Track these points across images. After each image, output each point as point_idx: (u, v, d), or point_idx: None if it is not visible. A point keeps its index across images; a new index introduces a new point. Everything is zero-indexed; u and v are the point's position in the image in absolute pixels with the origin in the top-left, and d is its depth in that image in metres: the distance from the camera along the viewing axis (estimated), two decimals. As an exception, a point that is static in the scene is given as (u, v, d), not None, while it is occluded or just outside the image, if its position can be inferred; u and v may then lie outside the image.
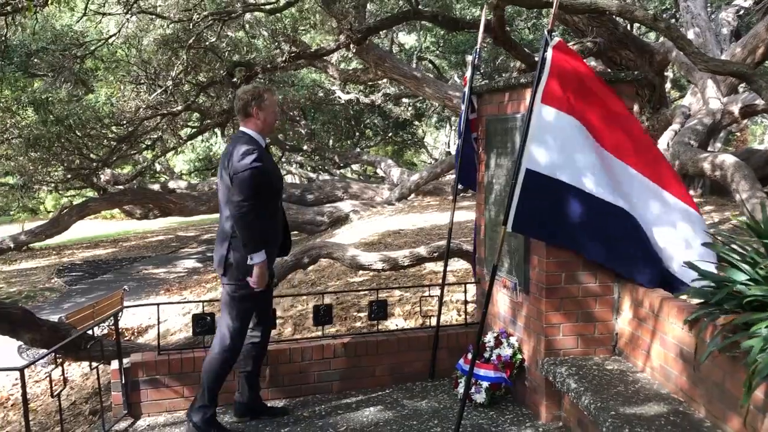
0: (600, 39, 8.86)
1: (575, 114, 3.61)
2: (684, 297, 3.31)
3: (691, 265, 3.33)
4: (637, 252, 3.64)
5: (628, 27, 10.88)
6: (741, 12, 12.76)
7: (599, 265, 3.80)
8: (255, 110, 3.90)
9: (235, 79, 10.18)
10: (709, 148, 10.75)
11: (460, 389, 4.16)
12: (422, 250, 6.36)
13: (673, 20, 16.37)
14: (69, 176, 14.27)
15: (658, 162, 3.85)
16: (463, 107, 4.70)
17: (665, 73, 13.54)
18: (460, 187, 5.07)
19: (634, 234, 3.64)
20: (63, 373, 4.02)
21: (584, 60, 4.45)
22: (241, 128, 3.98)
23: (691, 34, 10.75)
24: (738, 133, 20.62)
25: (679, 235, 3.72)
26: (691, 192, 9.59)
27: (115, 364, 4.30)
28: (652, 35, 15.12)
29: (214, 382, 3.94)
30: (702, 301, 3.08)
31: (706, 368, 2.96)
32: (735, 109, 9.06)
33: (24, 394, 3.52)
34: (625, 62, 9.18)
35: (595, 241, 3.67)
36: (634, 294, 3.65)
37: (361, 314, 7.27)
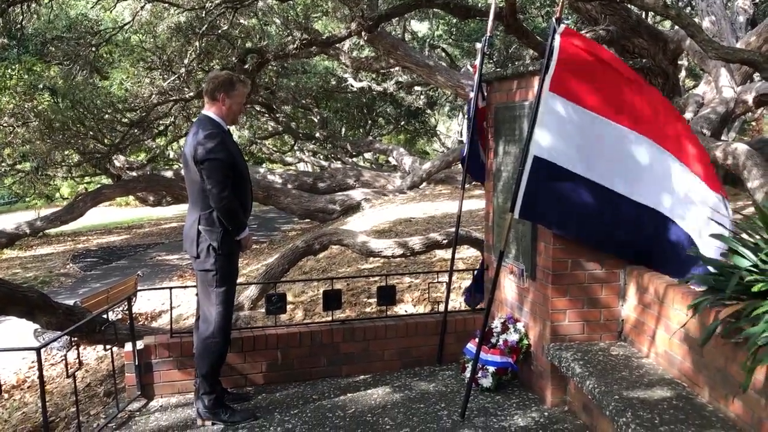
0: (613, 27, 8.82)
1: (583, 101, 3.62)
2: (689, 283, 3.33)
3: (695, 253, 3.36)
4: (641, 239, 3.66)
5: (642, 15, 10.79)
6: (757, 0, 12.64)
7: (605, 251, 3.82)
8: (222, 96, 3.86)
9: (247, 66, 10.23)
10: (722, 137, 10.68)
11: (468, 373, 4.21)
12: (436, 236, 6.42)
13: (688, 8, 16.22)
14: (82, 160, 14.46)
15: (682, 137, 3.75)
16: (471, 95, 4.70)
17: (679, 62, 13.45)
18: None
19: (641, 222, 3.66)
20: (78, 355, 4.11)
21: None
22: (204, 111, 3.95)
23: (706, 22, 10.66)
24: (753, 123, 20.42)
25: (693, 220, 3.71)
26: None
27: (128, 346, 4.39)
28: (667, 23, 14.98)
29: (209, 370, 3.92)
30: (706, 287, 3.10)
31: (709, 353, 2.99)
32: (749, 98, 9.00)
33: (41, 373, 3.61)
34: (638, 50, 9.13)
35: (600, 229, 3.69)
36: (640, 280, 3.67)
37: (371, 300, 7.33)
